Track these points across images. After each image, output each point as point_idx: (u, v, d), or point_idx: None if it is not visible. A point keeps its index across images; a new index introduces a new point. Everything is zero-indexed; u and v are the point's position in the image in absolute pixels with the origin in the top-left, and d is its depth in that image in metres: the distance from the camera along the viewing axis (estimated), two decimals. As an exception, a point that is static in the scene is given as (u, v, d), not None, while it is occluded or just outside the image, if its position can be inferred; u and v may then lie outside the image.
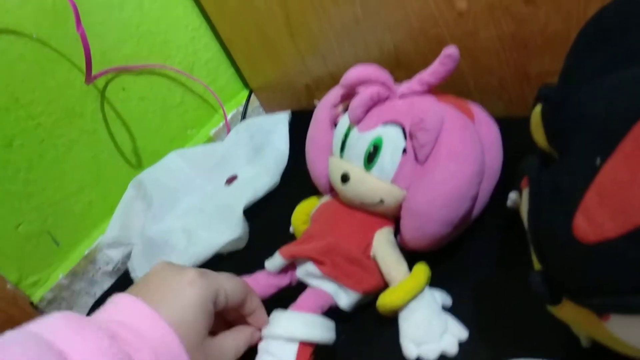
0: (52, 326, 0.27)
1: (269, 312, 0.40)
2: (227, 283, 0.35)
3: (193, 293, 0.32)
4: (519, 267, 0.39)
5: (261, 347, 0.38)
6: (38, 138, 0.62)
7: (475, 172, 0.38)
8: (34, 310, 0.62)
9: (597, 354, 0.31)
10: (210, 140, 0.80)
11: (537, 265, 0.28)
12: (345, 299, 0.41)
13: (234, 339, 0.37)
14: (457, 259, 0.44)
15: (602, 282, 0.23)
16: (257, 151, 0.71)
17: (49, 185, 0.63)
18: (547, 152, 0.26)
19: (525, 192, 0.28)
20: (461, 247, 0.44)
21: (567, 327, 0.34)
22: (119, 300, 0.31)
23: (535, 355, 0.32)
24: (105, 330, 0.27)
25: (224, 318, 0.39)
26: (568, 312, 0.27)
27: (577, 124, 0.24)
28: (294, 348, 0.37)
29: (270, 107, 0.84)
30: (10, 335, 0.25)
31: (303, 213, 0.51)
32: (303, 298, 0.41)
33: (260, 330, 0.39)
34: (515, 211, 0.42)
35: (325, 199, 0.49)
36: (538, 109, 0.27)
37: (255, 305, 0.39)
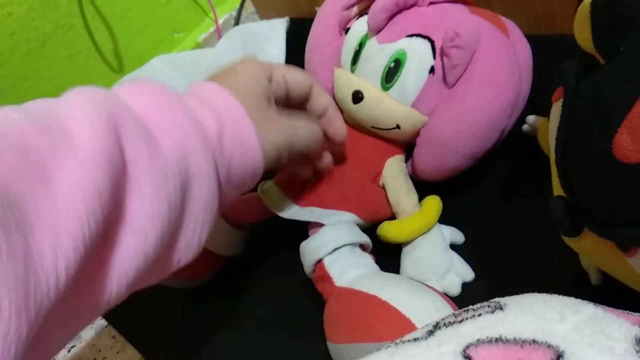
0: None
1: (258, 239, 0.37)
2: (285, 68, 0.34)
3: (245, 68, 0.32)
4: (532, 199, 0.36)
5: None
6: (9, 29, 0.56)
7: (511, 101, 0.33)
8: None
9: (607, 291, 0.28)
10: (199, 46, 0.74)
11: (558, 191, 0.24)
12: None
13: (296, 121, 0.33)
14: (464, 191, 0.40)
15: (637, 210, 0.20)
16: (249, 61, 0.65)
17: (20, 83, 0.59)
18: (591, 56, 0.22)
19: (556, 106, 0.24)
20: (470, 177, 0.39)
21: (575, 267, 0.31)
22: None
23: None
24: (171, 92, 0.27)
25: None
26: (587, 245, 0.24)
27: (634, 20, 0.20)
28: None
29: (266, 13, 0.77)
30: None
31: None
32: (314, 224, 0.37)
33: (333, 134, 0.36)
34: (531, 137, 0.38)
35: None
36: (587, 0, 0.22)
37: (324, 102, 0.35)
